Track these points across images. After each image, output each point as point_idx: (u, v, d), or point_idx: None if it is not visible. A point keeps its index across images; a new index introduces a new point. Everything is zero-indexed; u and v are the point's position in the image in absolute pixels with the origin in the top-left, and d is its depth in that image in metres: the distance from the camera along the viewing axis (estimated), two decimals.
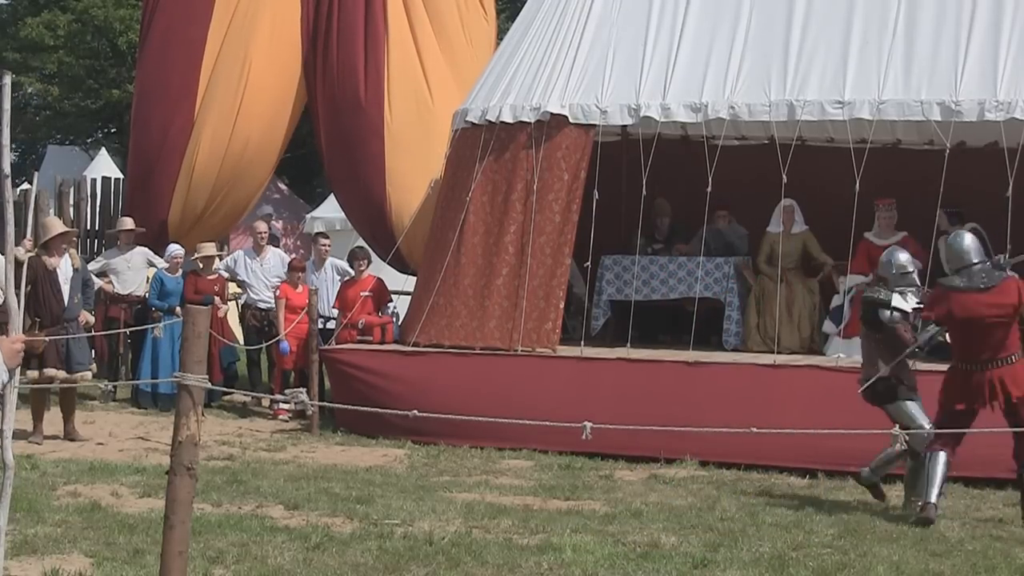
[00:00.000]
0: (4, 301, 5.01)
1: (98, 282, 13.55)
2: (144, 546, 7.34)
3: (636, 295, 12.42)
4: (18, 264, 10.96)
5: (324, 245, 14.64)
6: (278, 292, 14.08)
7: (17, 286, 7.13)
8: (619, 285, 13.03)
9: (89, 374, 12.03)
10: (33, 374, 11.45)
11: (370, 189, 14.70)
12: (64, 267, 11.61)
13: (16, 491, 5.36)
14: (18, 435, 11.36)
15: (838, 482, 10.18)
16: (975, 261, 8.89)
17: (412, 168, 14.38)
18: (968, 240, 8.98)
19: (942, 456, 8.77)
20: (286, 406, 13.12)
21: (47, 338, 11.36)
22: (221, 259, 14.76)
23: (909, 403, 9.21)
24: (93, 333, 11.93)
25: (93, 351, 12.86)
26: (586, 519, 8.53)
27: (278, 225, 15.08)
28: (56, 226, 11.93)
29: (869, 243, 12.19)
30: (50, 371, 11.45)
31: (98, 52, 34.00)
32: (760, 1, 12.11)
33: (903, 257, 9.40)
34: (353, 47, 14.90)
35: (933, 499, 8.69)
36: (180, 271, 13.97)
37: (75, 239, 13.44)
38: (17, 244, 13.14)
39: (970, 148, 12.22)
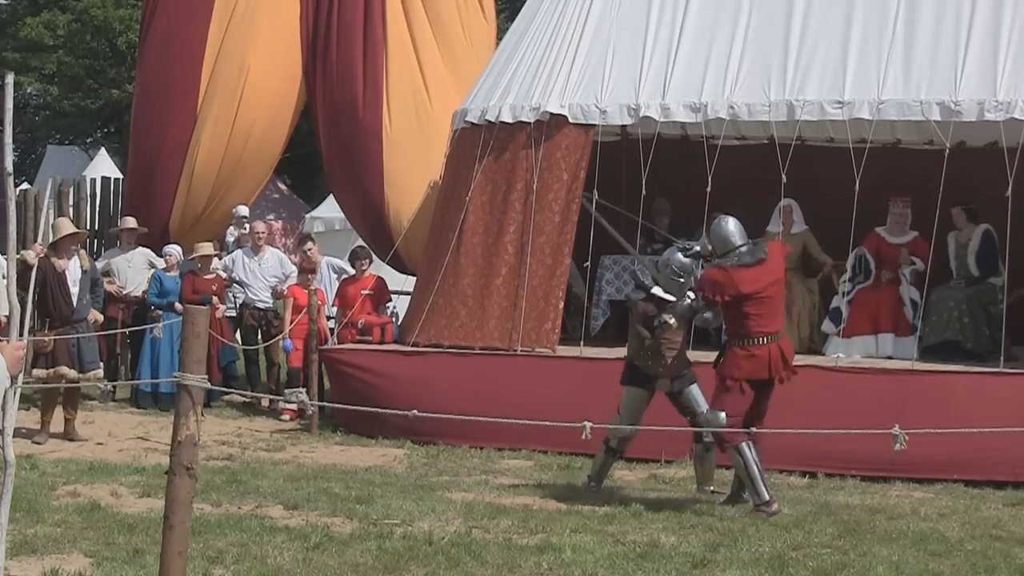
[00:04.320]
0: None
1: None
2: (144, 546, 7.35)
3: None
4: (28, 267, 11.02)
5: (308, 249, 14.59)
6: (286, 292, 14.11)
7: (25, 288, 7.14)
8: (619, 285, 13.02)
9: (100, 371, 12.12)
10: (41, 372, 11.48)
11: (368, 191, 14.69)
12: (73, 268, 11.64)
13: (16, 491, 5.36)
14: (25, 434, 11.39)
15: (838, 482, 10.19)
16: (739, 244, 8.99)
17: (410, 170, 14.37)
18: (732, 224, 9.05)
19: (746, 447, 8.81)
20: (290, 406, 13.13)
21: (54, 337, 11.40)
22: (220, 259, 14.78)
23: (630, 389, 9.36)
24: (93, 333, 11.94)
25: None
26: (586, 519, 8.53)
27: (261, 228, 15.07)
28: (66, 227, 11.96)
29: (880, 238, 12.17)
30: (63, 370, 11.48)
31: (98, 52, 34.00)
32: (760, 1, 12.11)
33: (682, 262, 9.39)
34: (352, 49, 14.88)
35: (767, 496, 8.75)
36: (177, 271, 13.97)
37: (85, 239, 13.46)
38: (24, 246, 13.22)
39: (970, 148, 12.22)
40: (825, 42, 11.73)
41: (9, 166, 4.80)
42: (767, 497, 8.73)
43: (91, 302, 11.89)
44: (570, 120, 12.17)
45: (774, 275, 8.95)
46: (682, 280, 9.28)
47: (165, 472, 5.11)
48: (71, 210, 16.05)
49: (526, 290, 12.01)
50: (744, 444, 8.76)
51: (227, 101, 15.00)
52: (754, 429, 8.55)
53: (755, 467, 8.76)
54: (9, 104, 4.74)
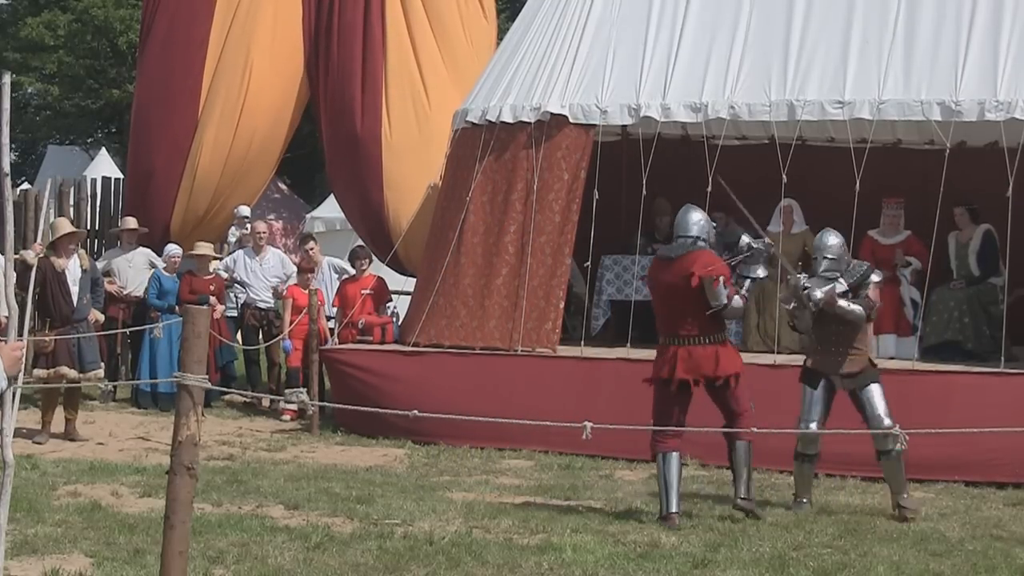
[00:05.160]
0: None
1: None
2: (144, 546, 7.35)
3: (636, 295, 12.41)
4: (28, 267, 11.01)
5: (310, 249, 14.59)
6: (285, 292, 14.11)
7: (25, 288, 7.13)
8: (619, 285, 13.03)
9: (101, 371, 12.13)
10: (41, 372, 11.49)
11: (368, 192, 14.68)
12: (73, 268, 11.64)
13: (16, 491, 5.37)
14: (26, 434, 11.39)
15: (838, 482, 10.18)
16: (681, 234, 8.67)
17: (409, 172, 14.36)
18: (691, 216, 8.72)
19: (664, 457, 8.50)
20: (291, 406, 13.13)
21: (54, 337, 11.41)
22: (220, 259, 14.79)
23: (803, 387, 9.14)
24: (94, 333, 11.94)
25: None
26: (586, 519, 8.53)
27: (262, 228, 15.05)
28: (64, 226, 11.96)
29: (874, 241, 12.20)
30: (63, 370, 11.49)
31: (98, 52, 33.97)
32: (760, 1, 12.11)
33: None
34: (351, 51, 14.87)
35: (668, 510, 8.39)
36: (177, 271, 13.98)
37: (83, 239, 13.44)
38: (24, 246, 13.21)
39: (970, 148, 12.22)
40: (825, 42, 11.73)
41: (6, 166, 4.79)
42: (667, 511, 8.41)
43: (91, 302, 11.89)
44: (571, 120, 12.17)
45: (671, 277, 8.54)
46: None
47: (166, 472, 5.11)
48: (71, 210, 16.04)
49: (526, 290, 12.01)
50: (663, 454, 8.49)
51: (231, 103, 14.98)
52: (754, 429, 8.48)
53: (666, 480, 8.45)
54: (6, 104, 4.73)
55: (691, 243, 8.67)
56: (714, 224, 9.14)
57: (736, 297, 8.58)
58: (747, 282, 9.06)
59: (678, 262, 8.60)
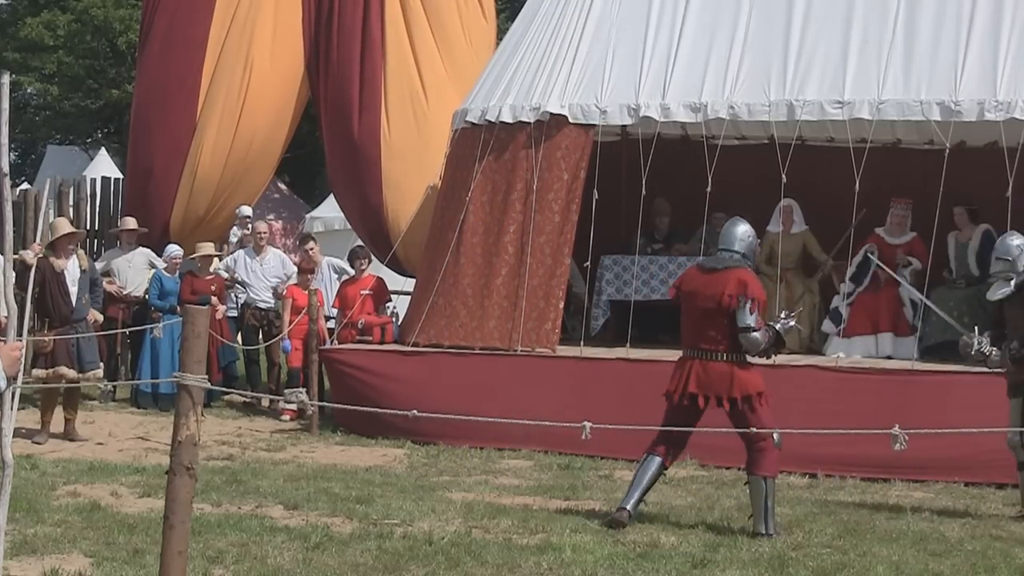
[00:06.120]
0: None
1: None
2: (144, 546, 7.35)
3: (636, 295, 12.42)
4: (27, 267, 11.00)
5: (310, 249, 14.59)
6: (285, 292, 14.11)
7: (24, 288, 7.12)
8: (619, 285, 13.02)
9: (100, 371, 12.13)
10: (40, 372, 11.49)
11: (367, 193, 14.68)
12: (72, 268, 11.65)
13: (16, 491, 5.37)
14: (25, 434, 11.40)
15: (838, 482, 10.19)
16: (721, 247, 8.44)
17: (408, 173, 14.36)
18: (738, 230, 8.46)
19: (644, 458, 8.45)
20: (291, 406, 13.13)
21: (54, 337, 11.41)
22: (221, 259, 14.79)
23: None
24: (94, 333, 11.95)
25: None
26: (586, 519, 8.53)
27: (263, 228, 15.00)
28: (63, 227, 11.96)
29: (879, 239, 12.18)
30: (62, 370, 11.49)
31: (98, 52, 34.01)
32: (760, 1, 12.11)
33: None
34: (350, 52, 14.86)
35: (623, 504, 8.32)
36: (178, 272, 13.98)
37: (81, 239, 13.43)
38: (24, 246, 13.20)
39: (970, 148, 12.22)
40: (825, 42, 11.74)
41: (6, 166, 4.79)
42: (622, 505, 8.33)
43: (90, 302, 11.90)
44: (570, 120, 12.17)
45: (706, 289, 8.26)
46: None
47: (165, 472, 5.11)
48: (71, 210, 16.03)
49: (526, 290, 12.01)
50: (648, 454, 8.46)
51: (231, 103, 14.97)
52: (754, 429, 8.43)
53: (637, 477, 8.42)
54: (6, 104, 4.73)
55: (735, 258, 8.38)
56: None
57: (759, 332, 8.23)
58: (788, 322, 8.69)
59: (717, 275, 8.31)
